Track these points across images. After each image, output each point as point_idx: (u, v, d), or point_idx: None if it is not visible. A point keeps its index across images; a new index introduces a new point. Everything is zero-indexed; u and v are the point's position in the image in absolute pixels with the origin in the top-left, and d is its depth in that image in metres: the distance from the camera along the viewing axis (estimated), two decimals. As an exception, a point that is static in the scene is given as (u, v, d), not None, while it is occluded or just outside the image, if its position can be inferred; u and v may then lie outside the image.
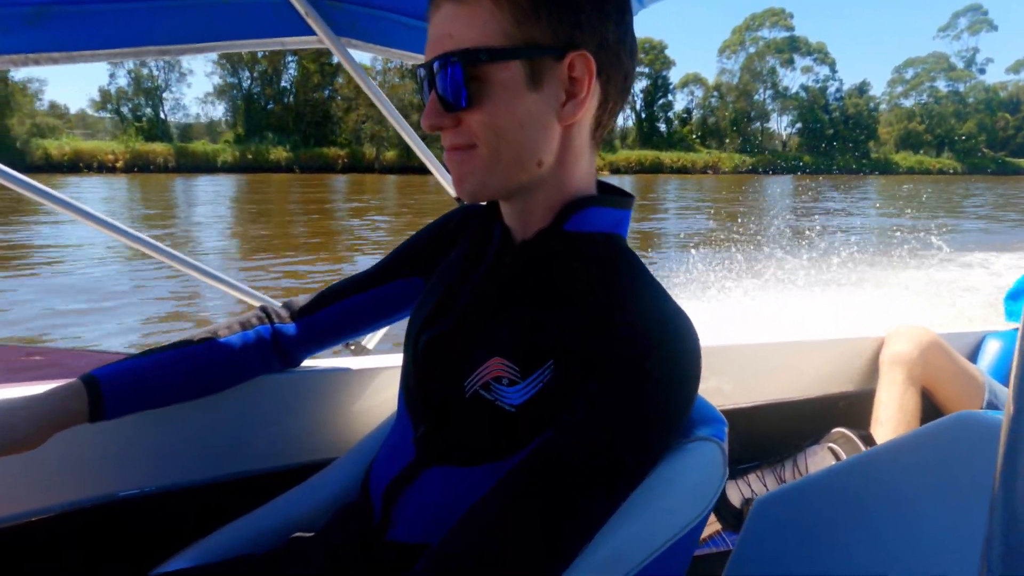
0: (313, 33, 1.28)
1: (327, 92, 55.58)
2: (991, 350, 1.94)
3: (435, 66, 0.61)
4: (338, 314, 0.94)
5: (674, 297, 0.64)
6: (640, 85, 73.49)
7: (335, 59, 1.52)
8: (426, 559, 0.58)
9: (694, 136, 73.07)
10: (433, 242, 0.90)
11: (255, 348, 0.94)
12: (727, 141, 72.28)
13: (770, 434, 1.73)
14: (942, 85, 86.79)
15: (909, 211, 20.64)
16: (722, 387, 1.67)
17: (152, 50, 1.20)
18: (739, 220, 14.26)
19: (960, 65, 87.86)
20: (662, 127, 73.36)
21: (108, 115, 55.83)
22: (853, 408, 1.77)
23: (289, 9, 1.23)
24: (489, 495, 0.59)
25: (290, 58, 53.74)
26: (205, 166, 45.53)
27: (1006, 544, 0.33)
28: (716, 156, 66.34)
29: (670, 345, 0.59)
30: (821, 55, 76.82)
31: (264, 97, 54.46)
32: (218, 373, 0.93)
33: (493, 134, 0.61)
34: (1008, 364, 1.83)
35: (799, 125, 76.90)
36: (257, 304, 1.07)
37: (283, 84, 55.45)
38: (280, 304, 0.99)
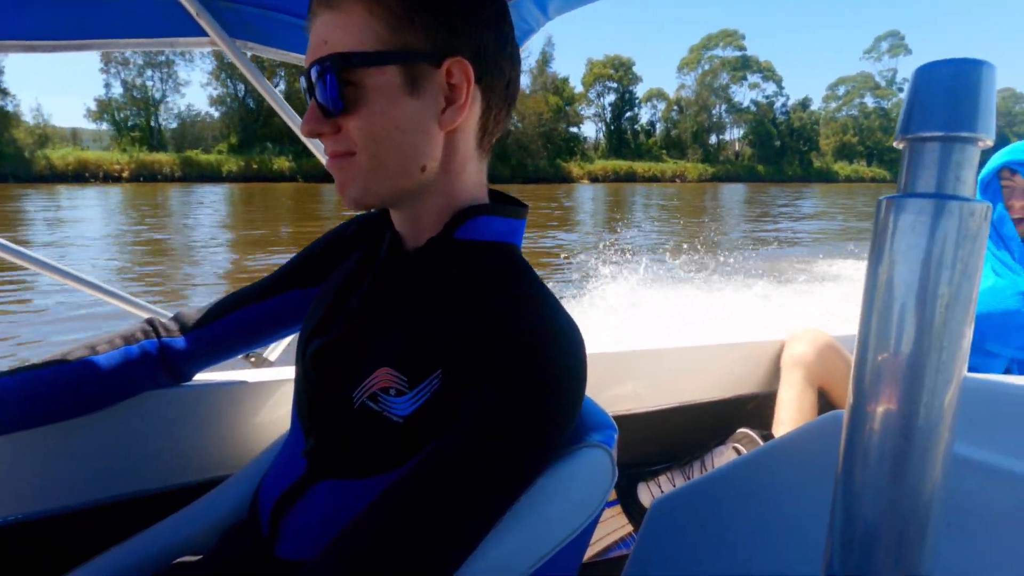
0: (206, 34, 1.21)
1: None
2: None
3: (312, 73, 0.61)
4: (231, 326, 0.90)
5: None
6: (609, 99, 78.09)
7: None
8: (306, 570, 0.55)
9: (659, 147, 78.20)
10: (328, 251, 0.88)
11: (139, 363, 0.88)
12: (689, 152, 77.71)
13: (682, 436, 1.81)
14: (869, 101, 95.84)
15: (841, 216, 22.85)
16: (637, 391, 1.73)
17: (18, 45, 1.10)
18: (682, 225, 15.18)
19: (883, 84, 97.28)
20: (629, 138, 78.04)
21: (104, 126, 54.98)
22: (759, 409, 1.83)
23: (178, 8, 1.15)
24: (373, 503, 0.57)
25: (283, 70, 54.72)
26: (210, 176, 46.20)
27: (844, 542, 0.34)
28: (683, 166, 71.39)
29: (557, 353, 0.59)
30: (769, 72, 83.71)
31: (261, 108, 55.12)
32: (97, 390, 0.86)
33: (372, 140, 0.61)
34: None
35: (751, 137, 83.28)
36: (145, 316, 0.99)
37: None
38: (170, 317, 0.93)
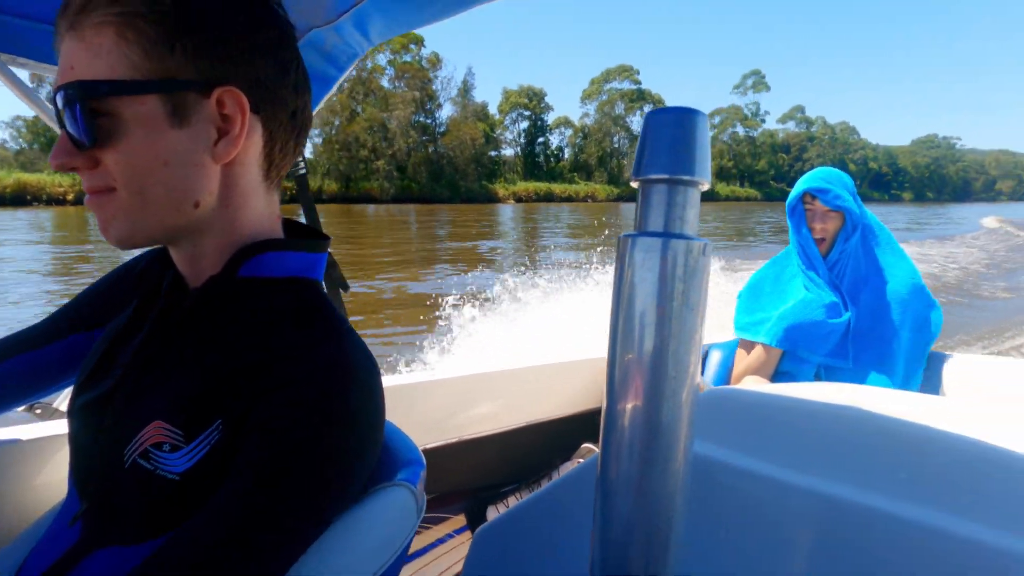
0: None
1: None
2: (714, 360, 2.10)
3: (58, 100, 0.55)
4: (6, 375, 0.77)
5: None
6: (523, 126, 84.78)
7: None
8: None
9: (569, 170, 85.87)
10: (113, 291, 0.79)
11: None
12: (595, 174, 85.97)
13: (532, 454, 1.83)
14: (740, 130, 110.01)
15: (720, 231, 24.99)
16: (489, 413, 1.75)
17: None
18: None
19: (749, 115, 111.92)
20: (542, 162, 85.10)
21: (25, 146, 53.20)
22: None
23: None
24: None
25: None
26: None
27: (603, 546, 0.36)
28: (592, 187, 79.34)
29: (341, 397, 0.55)
30: (660, 103, 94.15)
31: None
32: None
33: (133, 175, 0.56)
34: (727, 372, 2.06)
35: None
36: None
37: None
38: None
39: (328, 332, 0.60)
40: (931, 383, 1.85)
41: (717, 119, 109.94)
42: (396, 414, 1.51)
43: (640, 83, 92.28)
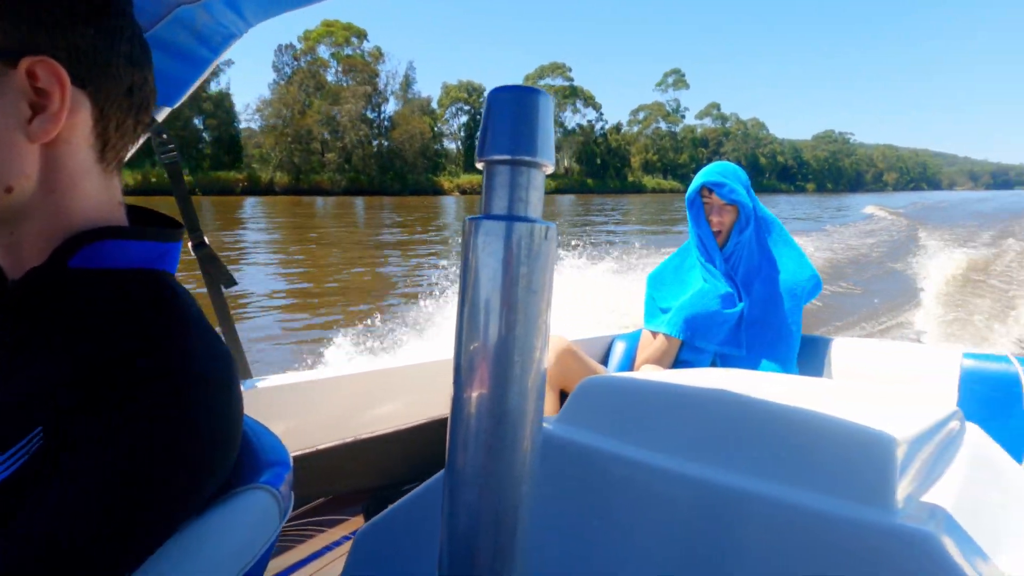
0: None
1: (200, 120, 58.21)
2: (618, 351, 2.16)
3: None
4: None
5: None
6: (463, 120, 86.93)
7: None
8: None
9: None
10: None
11: None
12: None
13: (431, 451, 1.81)
14: (663, 126, 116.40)
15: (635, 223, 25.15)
16: (383, 409, 1.73)
17: None
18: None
19: (671, 111, 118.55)
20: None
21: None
22: None
23: None
24: None
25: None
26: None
27: (451, 539, 0.36)
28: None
29: (186, 403, 0.50)
30: (590, 100, 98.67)
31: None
32: None
33: None
34: (631, 362, 2.11)
35: (579, 155, 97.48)
36: None
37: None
38: None
39: (173, 330, 0.55)
40: (815, 365, 2.00)
41: (641, 115, 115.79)
42: (287, 414, 1.55)
43: (572, 80, 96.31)
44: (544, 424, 0.79)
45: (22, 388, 0.52)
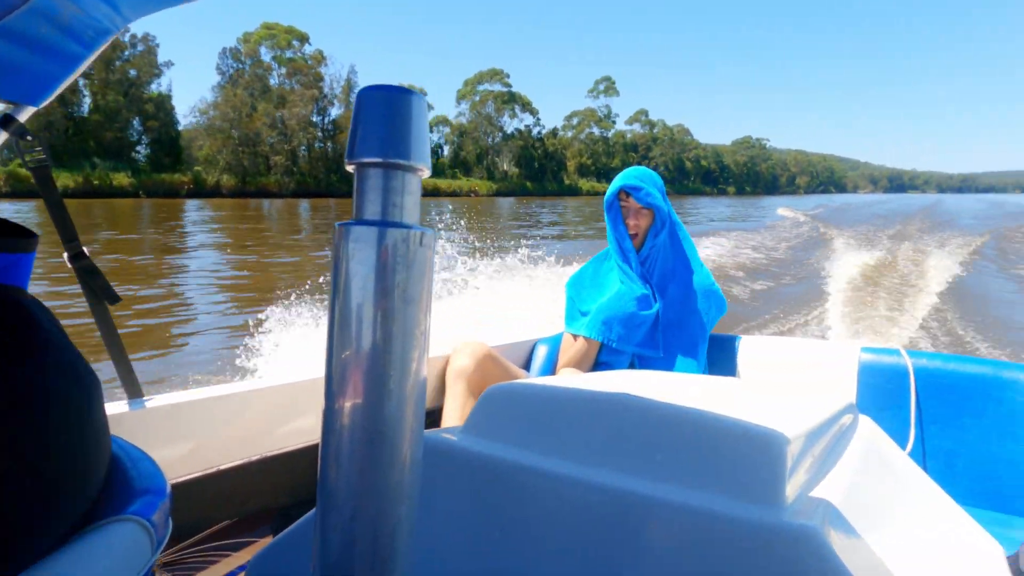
0: None
1: (138, 121, 56.86)
2: (540, 354, 2.16)
3: None
4: None
5: None
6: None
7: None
8: None
9: (450, 167, 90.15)
10: None
11: None
12: (475, 171, 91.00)
13: None
14: (596, 131, 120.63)
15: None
16: (291, 425, 1.66)
17: None
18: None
19: (603, 117, 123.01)
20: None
21: None
22: (432, 424, 1.84)
23: None
24: None
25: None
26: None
27: (323, 560, 0.34)
28: (474, 183, 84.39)
29: (36, 429, 0.47)
30: (527, 105, 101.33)
31: (88, 122, 53.20)
32: None
33: None
34: (553, 366, 2.11)
35: (518, 159, 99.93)
36: None
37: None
38: None
39: (22, 351, 0.50)
40: (726, 364, 2.07)
41: (575, 120, 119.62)
42: (189, 433, 1.45)
43: (511, 86, 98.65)
44: (447, 436, 0.80)
45: None
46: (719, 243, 15.86)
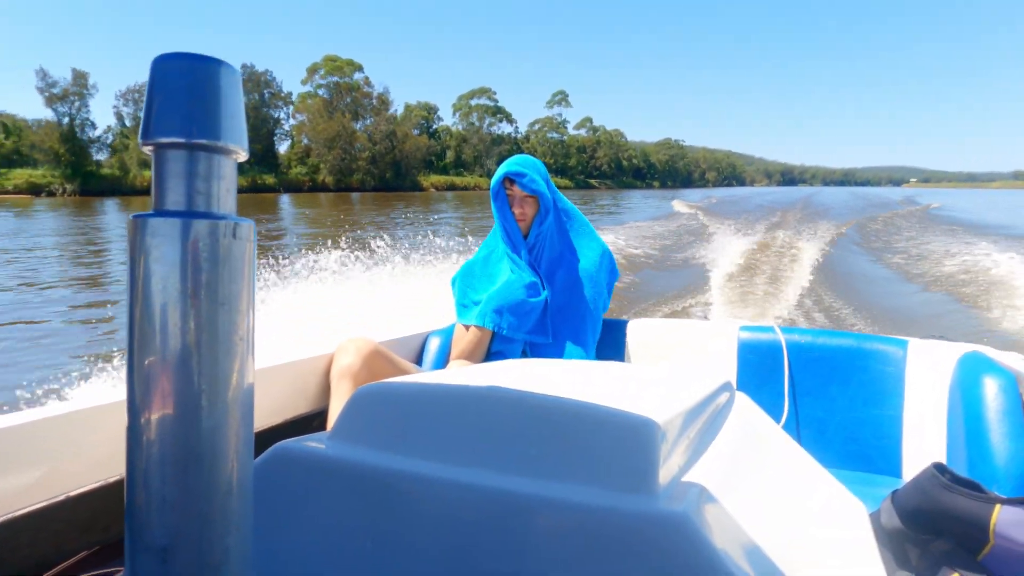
0: None
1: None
2: (432, 347, 2.12)
3: None
4: None
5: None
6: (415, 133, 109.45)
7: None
8: None
9: (453, 167, 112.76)
10: None
11: None
12: (475, 169, 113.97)
13: None
14: (556, 136, 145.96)
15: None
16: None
17: None
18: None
19: (558, 123, 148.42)
20: (437, 159, 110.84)
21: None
22: (321, 426, 1.77)
23: None
24: None
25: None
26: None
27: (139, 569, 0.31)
28: (477, 179, 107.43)
29: None
30: (509, 117, 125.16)
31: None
32: None
33: None
34: (446, 357, 2.07)
35: (504, 159, 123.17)
36: None
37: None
38: None
39: None
40: (615, 347, 2.10)
41: (536, 126, 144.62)
42: (41, 455, 1.25)
43: (497, 100, 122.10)
44: (313, 444, 0.75)
45: None
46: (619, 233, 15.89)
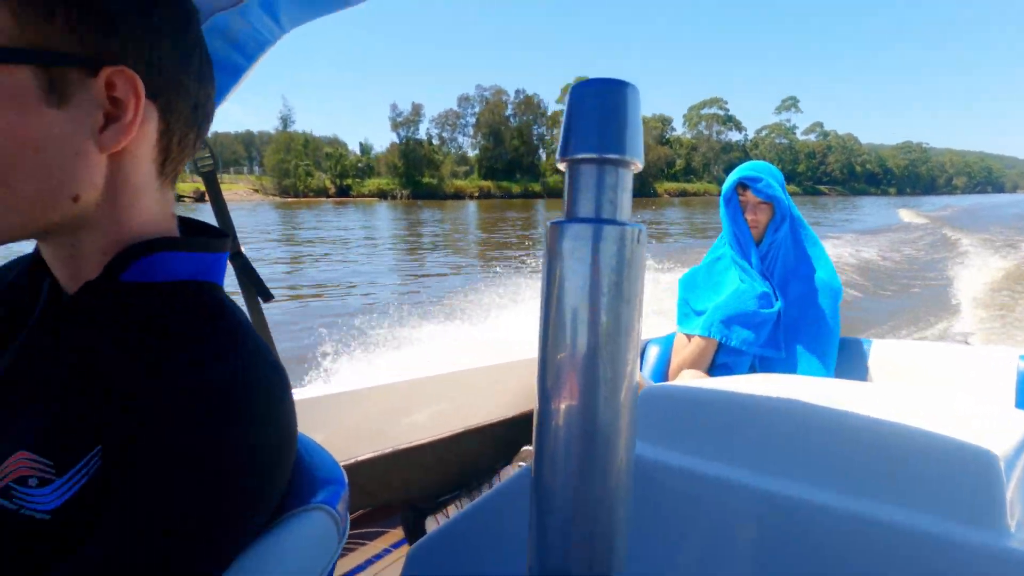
0: None
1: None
2: (652, 355, 2.06)
3: None
4: None
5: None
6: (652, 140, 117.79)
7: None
8: None
9: (684, 174, 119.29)
10: None
11: None
12: (704, 175, 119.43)
13: (469, 460, 1.74)
14: (784, 141, 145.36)
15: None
16: (427, 419, 1.68)
17: None
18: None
19: (787, 129, 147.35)
20: (665, 166, 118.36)
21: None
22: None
23: None
24: None
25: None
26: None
27: (541, 543, 0.34)
28: (708, 186, 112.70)
29: (240, 423, 0.49)
30: (739, 125, 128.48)
31: (518, 153, 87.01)
32: None
33: None
34: (666, 367, 2.01)
35: (729, 168, 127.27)
36: None
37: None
38: None
39: (225, 346, 0.53)
40: (856, 368, 1.92)
41: (765, 132, 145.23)
42: (324, 426, 1.51)
43: (728, 110, 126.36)
44: None
45: (79, 406, 0.50)
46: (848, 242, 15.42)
